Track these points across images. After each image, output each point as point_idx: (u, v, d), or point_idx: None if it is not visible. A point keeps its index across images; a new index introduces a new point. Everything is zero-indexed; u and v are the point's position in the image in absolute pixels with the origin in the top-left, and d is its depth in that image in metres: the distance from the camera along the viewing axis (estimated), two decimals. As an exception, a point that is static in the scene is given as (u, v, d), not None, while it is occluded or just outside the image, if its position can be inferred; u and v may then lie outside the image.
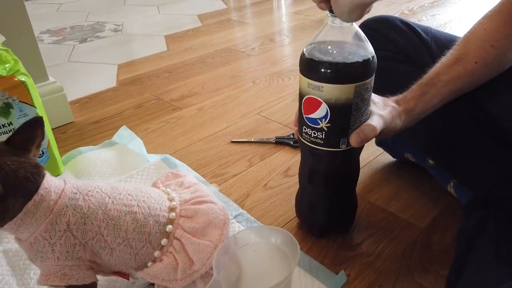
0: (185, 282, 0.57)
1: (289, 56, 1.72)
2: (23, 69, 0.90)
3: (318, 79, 0.59)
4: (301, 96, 0.64)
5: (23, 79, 0.88)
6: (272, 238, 0.58)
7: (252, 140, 1.11)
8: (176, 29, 2.16)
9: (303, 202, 0.76)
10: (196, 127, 1.20)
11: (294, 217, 0.81)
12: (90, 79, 1.60)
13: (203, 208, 0.61)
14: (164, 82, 1.53)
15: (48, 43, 2.06)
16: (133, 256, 0.56)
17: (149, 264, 0.58)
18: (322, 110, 0.61)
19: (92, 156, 1.05)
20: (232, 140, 1.12)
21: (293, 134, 1.10)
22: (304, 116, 0.64)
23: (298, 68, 0.65)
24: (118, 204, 0.56)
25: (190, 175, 0.72)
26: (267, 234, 0.58)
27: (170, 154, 1.05)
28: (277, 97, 1.34)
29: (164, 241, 0.58)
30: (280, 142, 1.08)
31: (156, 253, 0.58)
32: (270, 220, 0.82)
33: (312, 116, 0.63)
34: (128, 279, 0.61)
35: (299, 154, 1.04)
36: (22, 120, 0.90)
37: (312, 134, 0.64)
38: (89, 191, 0.56)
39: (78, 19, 2.48)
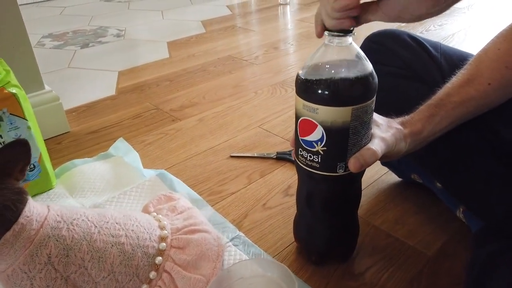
0: (174, 319, 0.53)
1: (293, 65, 1.68)
2: (14, 81, 0.87)
3: (313, 100, 0.55)
4: (297, 117, 0.60)
5: (14, 91, 0.84)
6: (269, 272, 0.54)
7: (252, 155, 1.07)
8: (180, 35, 2.13)
9: (301, 226, 0.73)
10: (195, 139, 1.17)
11: (293, 241, 0.77)
12: (90, 87, 1.57)
13: (196, 238, 0.57)
14: (165, 91, 1.50)
15: (50, 48, 2.03)
16: (119, 290, 0.53)
17: (136, 298, 0.54)
18: (318, 133, 0.57)
19: (87, 170, 1.01)
20: (232, 155, 1.08)
21: (295, 150, 1.06)
22: (300, 137, 0.60)
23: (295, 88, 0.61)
24: (104, 234, 0.53)
25: (183, 198, 0.69)
26: (264, 267, 0.54)
27: (166, 169, 1.01)
28: (279, 109, 1.30)
29: (152, 274, 0.54)
30: (281, 158, 1.04)
31: (144, 287, 0.54)
32: (268, 244, 0.78)
33: (308, 138, 0.59)
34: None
35: (301, 171, 1.01)
36: (13, 134, 0.86)
37: (308, 157, 0.60)
38: (74, 220, 0.52)
39: (81, 23, 2.46)
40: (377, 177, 0.95)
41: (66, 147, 1.16)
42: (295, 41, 2.01)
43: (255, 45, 1.98)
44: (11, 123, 0.85)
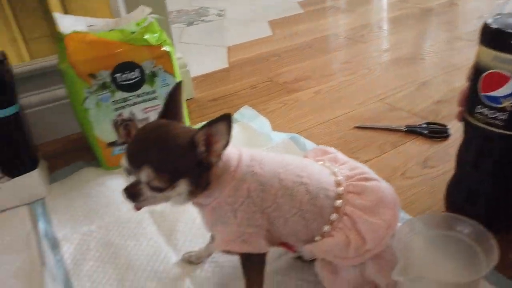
0: (356, 261, 0.54)
1: (402, 44, 1.62)
2: (168, 40, 0.92)
3: (510, 51, 0.53)
4: (479, 71, 0.58)
5: (168, 49, 0.90)
6: (457, 227, 0.52)
7: (379, 126, 1.05)
8: (278, 15, 2.15)
9: (460, 192, 0.70)
10: (315, 110, 1.18)
11: (443, 211, 0.75)
12: (202, 60, 1.64)
13: (370, 186, 0.57)
14: (274, 65, 1.52)
15: (158, 25, 2.14)
16: (305, 228, 0.55)
17: (317, 238, 0.56)
18: (509, 87, 0.55)
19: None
20: (356, 126, 1.07)
21: (426, 124, 1.03)
22: (481, 93, 0.58)
23: (479, 39, 0.59)
24: (290, 174, 0.55)
25: (339, 153, 0.69)
26: (450, 223, 0.53)
27: (293, 136, 1.03)
28: (398, 85, 1.27)
29: (334, 216, 0.55)
30: (411, 131, 1.01)
31: (326, 228, 0.55)
32: (416, 212, 0.77)
33: (494, 94, 0.56)
34: (294, 252, 0.59)
35: (436, 145, 0.98)
36: (164, 90, 0.92)
37: (490, 115, 0.58)
38: (262, 160, 0.55)
39: (183, 4, 2.56)
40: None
41: (192, 111, 1.22)
42: (398, 21, 1.93)
43: (357, 24, 1.93)
44: (163, 80, 0.91)
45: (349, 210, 0.55)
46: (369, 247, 0.53)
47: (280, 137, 1.01)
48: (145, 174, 0.47)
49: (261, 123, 1.09)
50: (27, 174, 0.83)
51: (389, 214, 0.55)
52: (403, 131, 1.02)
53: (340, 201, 0.56)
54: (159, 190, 0.48)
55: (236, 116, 1.14)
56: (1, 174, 0.81)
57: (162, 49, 0.89)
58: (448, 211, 0.74)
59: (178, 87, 0.55)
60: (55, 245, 0.73)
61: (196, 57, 1.67)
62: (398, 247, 0.50)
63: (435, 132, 0.99)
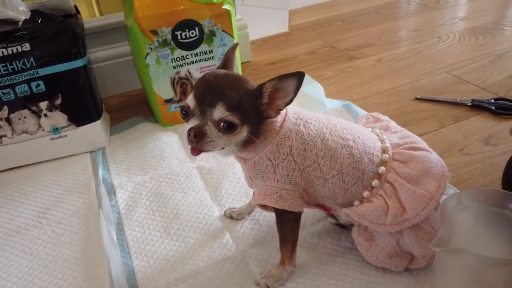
0: (393, 228, 0.52)
1: (482, 12, 1.48)
2: (228, -1, 0.92)
3: None
4: None
5: (228, 8, 0.90)
6: (508, 205, 0.49)
7: (442, 99, 0.99)
8: (347, -22, 2.04)
9: None
10: (374, 78, 1.13)
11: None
12: (263, 23, 1.62)
13: (418, 155, 0.55)
14: (337, 30, 1.46)
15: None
16: (343, 191, 0.54)
17: (356, 203, 0.55)
18: None
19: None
20: (417, 97, 1.01)
21: (495, 99, 0.95)
22: None
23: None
24: (335, 135, 0.54)
25: (392, 121, 0.66)
26: (500, 200, 0.50)
27: (347, 104, 1.00)
28: (470, 56, 1.17)
29: (375, 183, 0.54)
30: (477, 105, 0.94)
31: (365, 194, 0.54)
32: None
33: None
34: (331, 215, 0.59)
35: (503, 122, 0.90)
36: (221, 50, 0.93)
37: None
38: (308, 118, 0.54)
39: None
40: None
41: (248, 74, 1.22)
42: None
43: (434, -10, 1.79)
44: (221, 39, 0.92)
45: (392, 178, 0.54)
46: (408, 216, 0.52)
47: (333, 104, 0.99)
48: (220, 111, 0.48)
49: (316, 89, 1.07)
50: (91, 124, 0.89)
51: (434, 185, 0.53)
52: (468, 106, 0.95)
53: (383, 168, 0.54)
54: (229, 129, 0.48)
55: (291, 81, 1.13)
56: (68, 122, 0.88)
57: (223, 7, 0.89)
58: (504, 189, 0.68)
59: (234, 47, 0.56)
60: (111, 191, 0.79)
61: (257, 20, 1.65)
62: (441, 219, 0.48)
63: (504, 109, 0.91)
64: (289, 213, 0.54)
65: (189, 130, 0.49)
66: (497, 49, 1.19)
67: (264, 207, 0.56)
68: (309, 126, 0.53)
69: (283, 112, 0.53)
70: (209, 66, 0.95)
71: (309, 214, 0.68)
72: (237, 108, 0.48)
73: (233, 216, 0.70)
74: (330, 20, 1.56)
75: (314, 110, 0.98)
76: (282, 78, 0.48)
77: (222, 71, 0.53)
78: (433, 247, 0.44)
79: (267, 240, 0.65)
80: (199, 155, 0.51)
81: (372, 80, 1.12)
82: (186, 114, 0.51)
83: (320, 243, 0.64)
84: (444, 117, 0.93)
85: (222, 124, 0.48)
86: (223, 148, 0.51)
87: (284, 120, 0.53)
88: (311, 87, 1.08)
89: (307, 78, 1.13)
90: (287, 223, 0.56)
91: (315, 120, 0.55)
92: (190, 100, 0.50)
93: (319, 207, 0.58)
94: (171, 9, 0.87)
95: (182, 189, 0.78)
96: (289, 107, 0.55)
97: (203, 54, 0.93)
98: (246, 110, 0.49)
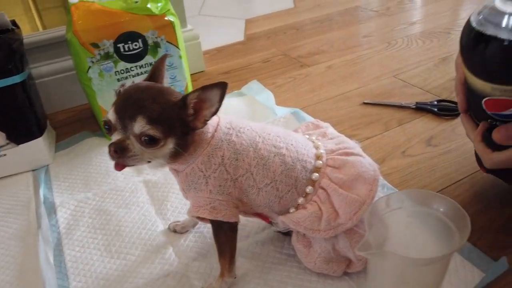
0: (328, 234, 0.53)
1: (431, 16, 1.54)
2: (172, 10, 0.91)
3: None
4: (478, 96, 0.53)
5: (172, 19, 0.89)
6: (434, 205, 0.50)
7: (388, 103, 1.01)
8: (303, -13, 2.08)
9: None
10: (324, 85, 1.14)
11: (441, 189, 0.72)
12: (219, 32, 1.62)
13: (351, 160, 0.56)
14: (291, 38, 1.48)
15: (180, -3, 2.13)
16: (278, 199, 0.54)
17: (292, 210, 0.55)
18: None
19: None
20: (365, 102, 1.03)
21: (438, 101, 0.98)
22: (488, 112, 0.53)
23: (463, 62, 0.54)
24: (268, 144, 0.54)
25: (331, 127, 0.67)
26: (427, 200, 0.51)
27: (298, 110, 1.01)
28: (416, 60, 1.21)
29: (309, 189, 0.54)
30: (421, 108, 0.97)
31: (300, 200, 0.55)
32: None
33: (505, 112, 0.52)
34: (269, 223, 0.59)
35: (444, 123, 0.93)
36: (167, 61, 0.92)
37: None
38: (241, 128, 0.54)
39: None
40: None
41: (201, 83, 1.21)
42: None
43: (385, -4, 1.85)
44: (166, 50, 0.91)
45: (325, 183, 0.54)
46: (341, 220, 0.52)
47: (283, 111, 1.00)
48: (140, 124, 0.47)
49: (266, 96, 1.07)
50: (32, 142, 0.86)
51: (366, 189, 0.53)
52: (412, 108, 0.98)
53: (317, 174, 0.55)
54: (151, 142, 0.47)
55: (243, 90, 1.13)
56: (7, 141, 0.84)
57: (165, 18, 0.89)
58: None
59: (163, 58, 0.57)
60: (52, 210, 0.76)
61: (213, 29, 1.66)
62: (369, 223, 0.48)
63: (446, 110, 0.94)
64: (225, 223, 0.53)
65: (110, 145, 0.48)
66: (442, 53, 1.24)
67: (201, 218, 0.56)
68: (241, 136, 0.53)
69: (214, 122, 0.53)
70: (156, 78, 0.93)
71: (254, 223, 0.68)
72: (159, 121, 0.47)
73: (177, 230, 0.68)
74: (284, 28, 1.58)
75: (265, 117, 1.00)
76: (205, 88, 0.48)
77: (145, 83, 0.52)
78: (359, 251, 0.44)
79: (210, 253, 0.64)
80: (123, 170, 0.50)
81: (322, 87, 1.13)
82: (108, 128, 0.50)
83: (263, 251, 0.64)
84: (389, 120, 0.95)
85: (144, 138, 0.47)
86: (149, 161, 0.50)
87: (215, 130, 0.52)
88: (263, 95, 1.09)
89: (259, 87, 1.14)
90: (223, 234, 0.55)
91: (248, 129, 0.55)
92: (111, 114, 0.49)
93: (256, 216, 0.58)
94: (111, 22, 0.86)
95: (126, 205, 0.76)
96: (223, 116, 0.55)
97: (148, 66, 0.91)
98: (170, 123, 0.48)
